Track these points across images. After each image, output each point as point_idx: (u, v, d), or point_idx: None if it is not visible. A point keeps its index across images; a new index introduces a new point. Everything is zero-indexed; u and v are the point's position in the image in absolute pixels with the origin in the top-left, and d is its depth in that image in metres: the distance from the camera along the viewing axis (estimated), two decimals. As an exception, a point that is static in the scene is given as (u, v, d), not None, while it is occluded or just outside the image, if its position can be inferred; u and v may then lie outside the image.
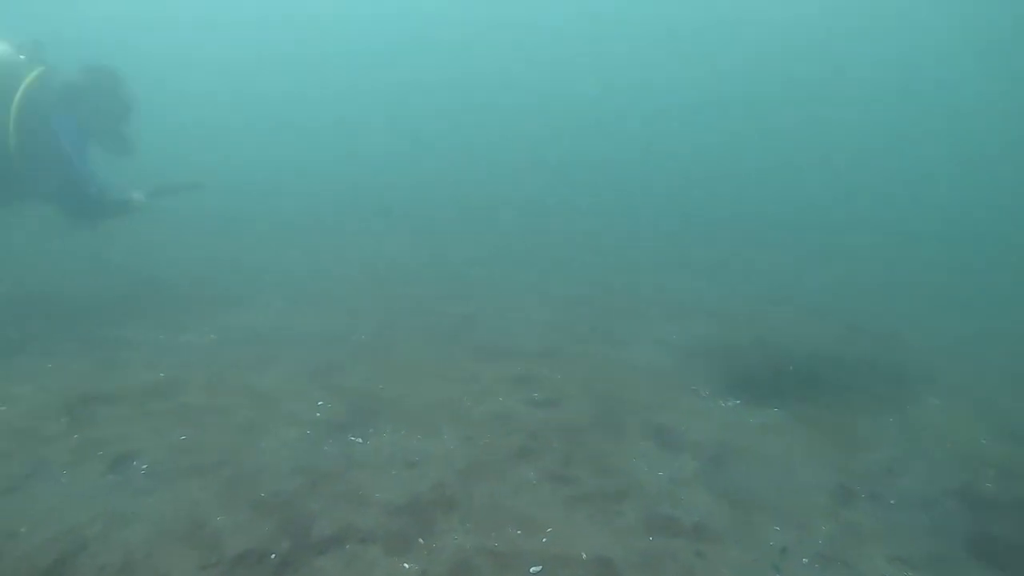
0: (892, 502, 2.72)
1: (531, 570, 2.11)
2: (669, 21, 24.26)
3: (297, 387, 3.45)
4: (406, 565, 2.07)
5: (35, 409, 3.00)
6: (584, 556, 2.18)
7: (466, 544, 2.19)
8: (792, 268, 8.16)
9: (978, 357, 4.98)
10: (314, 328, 4.48)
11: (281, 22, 26.11)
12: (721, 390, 3.82)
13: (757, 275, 7.72)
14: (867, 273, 8.11)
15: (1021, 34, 19.52)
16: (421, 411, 3.25)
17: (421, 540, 2.20)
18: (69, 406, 3.02)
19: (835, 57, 23.19)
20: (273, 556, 2.06)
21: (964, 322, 6.13)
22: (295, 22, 26.04)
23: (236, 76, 23.24)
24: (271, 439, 2.88)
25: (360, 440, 2.94)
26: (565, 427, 3.15)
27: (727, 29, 24.05)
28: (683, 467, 2.87)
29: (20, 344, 3.80)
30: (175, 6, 25.59)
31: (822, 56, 23.12)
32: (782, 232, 10.93)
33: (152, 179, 4.65)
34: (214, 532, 2.17)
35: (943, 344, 5.27)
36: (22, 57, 4.00)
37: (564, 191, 13.42)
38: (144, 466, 2.60)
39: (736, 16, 23.70)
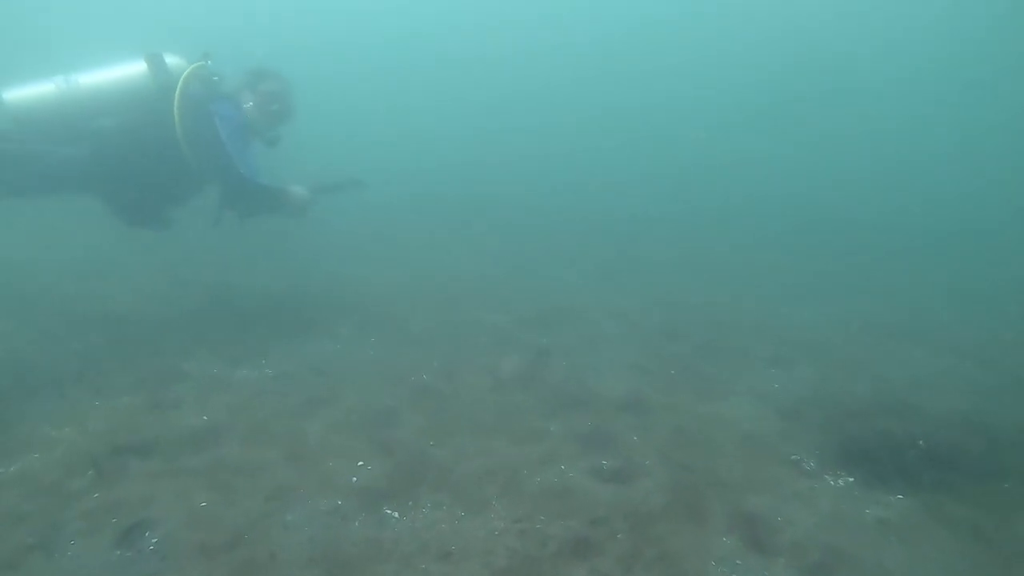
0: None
1: None
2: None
3: (343, 439, 3.16)
4: None
5: (67, 459, 2.85)
6: None
7: None
8: (930, 292, 7.18)
9: None
10: (377, 362, 4.21)
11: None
12: (831, 461, 3.20)
13: (880, 298, 6.84)
14: None
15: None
16: (470, 480, 2.87)
17: None
18: (100, 457, 2.85)
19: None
20: None
21: None
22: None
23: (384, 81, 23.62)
24: (299, 510, 2.58)
25: (396, 515, 2.59)
26: (634, 512, 2.67)
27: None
28: (776, 582, 2.32)
29: (77, 374, 3.74)
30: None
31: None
32: (908, 245, 9.80)
33: (314, 177, 4.69)
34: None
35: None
36: (201, 62, 4.31)
37: (666, 202, 12.74)
38: (155, 540, 2.36)
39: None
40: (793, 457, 3.24)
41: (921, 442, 3.28)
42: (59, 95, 4.16)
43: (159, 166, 4.26)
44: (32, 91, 4.15)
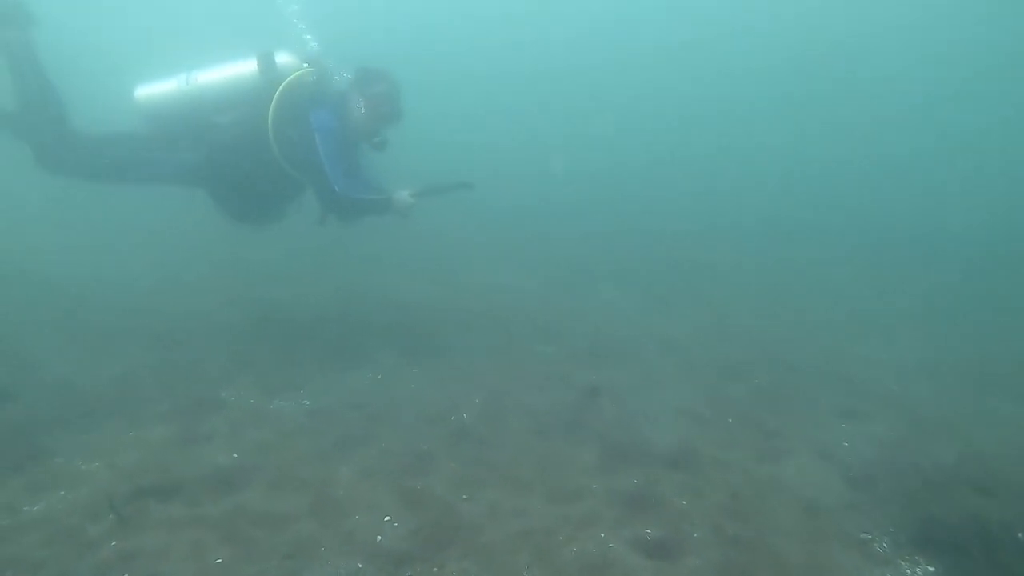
0: None
1: None
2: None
3: (372, 488, 3.00)
4: None
5: (90, 499, 2.79)
6: None
7: None
8: None
9: None
10: (418, 396, 4.05)
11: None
12: (908, 545, 2.85)
13: (971, 332, 6.30)
14: None
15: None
16: (502, 544, 2.66)
17: None
18: (123, 500, 2.78)
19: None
20: None
21: None
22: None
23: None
24: (317, 574, 2.43)
25: (418, 584, 2.41)
26: (678, 598, 2.40)
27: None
28: None
29: (119, 401, 3.72)
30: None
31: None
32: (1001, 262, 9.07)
33: (422, 178, 4.66)
34: None
35: None
36: (305, 66, 4.31)
37: (714, 213, 12.26)
38: (164, 602, 2.25)
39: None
40: (863, 536, 2.90)
41: (1021, 535, 2.87)
42: (181, 93, 4.26)
43: (262, 167, 4.31)
44: (159, 88, 4.26)
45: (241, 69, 4.27)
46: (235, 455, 3.23)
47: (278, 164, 4.29)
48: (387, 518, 2.80)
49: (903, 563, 2.74)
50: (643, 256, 8.90)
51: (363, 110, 4.45)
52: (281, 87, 4.18)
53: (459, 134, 18.30)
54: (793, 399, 4.41)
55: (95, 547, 2.50)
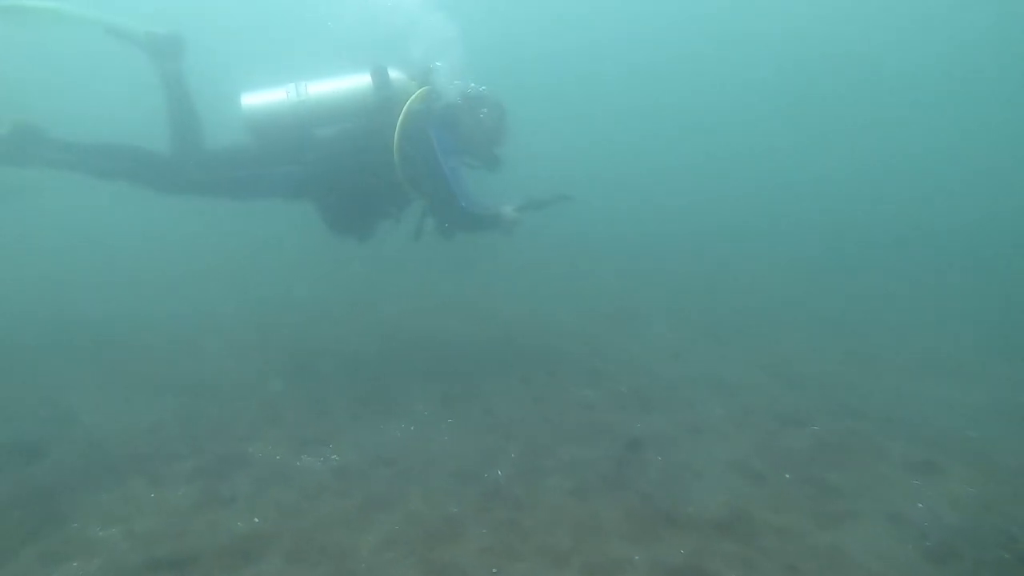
0: None
1: None
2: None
3: (395, 560, 2.80)
4: None
5: (101, 573, 2.67)
6: None
7: None
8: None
9: None
10: (451, 451, 3.85)
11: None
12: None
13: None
14: None
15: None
16: (531, 630, 2.42)
17: None
18: (135, 574, 2.66)
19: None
20: None
21: None
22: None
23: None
24: (327, 663, 2.24)
25: None
26: None
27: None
28: None
29: (145, 457, 3.63)
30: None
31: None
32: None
33: (521, 193, 4.73)
34: None
35: None
36: (415, 82, 4.38)
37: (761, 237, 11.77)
38: None
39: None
40: (944, 623, 2.55)
41: None
42: (291, 104, 4.27)
43: (371, 180, 4.38)
44: (267, 98, 4.28)
45: (355, 83, 4.32)
46: (256, 520, 3.08)
47: (392, 179, 4.35)
48: (408, 596, 2.59)
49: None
50: (693, 288, 8.57)
51: (474, 130, 4.57)
52: (407, 105, 4.23)
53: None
54: (858, 451, 4.03)
55: (100, 630, 2.37)
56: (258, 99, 4.28)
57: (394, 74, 4.36)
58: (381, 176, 4.36)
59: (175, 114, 4.27)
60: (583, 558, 2.86)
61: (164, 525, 3.02)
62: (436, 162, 4.30)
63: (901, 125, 21.68)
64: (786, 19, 22.09)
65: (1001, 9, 19.38)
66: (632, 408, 4.58)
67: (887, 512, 3.32)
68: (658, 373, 5.32)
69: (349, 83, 4.32)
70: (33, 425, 4.04)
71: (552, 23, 24.39)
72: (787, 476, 3.70)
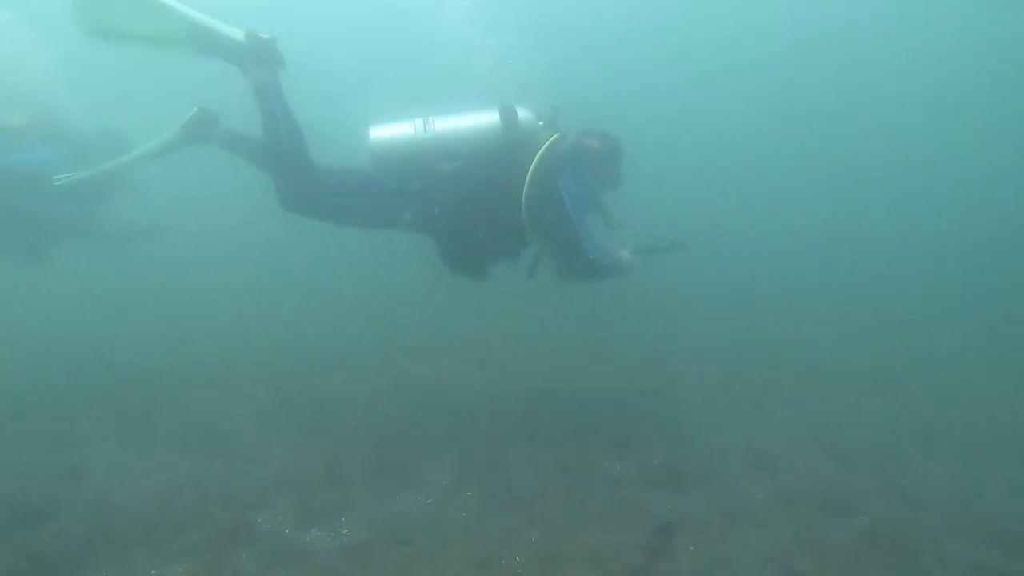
0: None
1: None
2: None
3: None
4: None
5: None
6: None
7: None
8: None
9: None
10: (468, 531, 3.63)
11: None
12: None
13: None
14: None
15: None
16: None
17: None
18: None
19: None
20: None
21: None
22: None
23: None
24: None
25: None
26: None
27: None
28: None
29: (151, 525, 3.50)
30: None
31: None
32: None
33: (638, 238, 4.73)
34: None
35: None
36: (540, 123, 4.38)
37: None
38: None
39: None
40: None
41: None
42: (419, 138, 4.29)
43: (497, 222, 4.37)
44: (394, 132, 4.31)
45: (483, 121, 4.31)
46: (254, 607, 2.91)
47: (515, 222, 4.32)
48: None
49: None
50: (732, 345, 8.21)
51: (596, 170, 4.57)
52: (541, 151, 4.21)
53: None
54: (913, 549, 3.67)
55: None
56: (386, 132, 4.30)
57: (522, 113, 4.32)
58: (504, 218, 4.33)
59: (269, 126, 4.26)
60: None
61: (159, 610, 2.87)
62: (566, 214, 4.30)
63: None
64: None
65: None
66: (664, 485, 4.29)
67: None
68: (694, 444, 5.01)
69: (476, 121, 4.32)
70: (44, 482, 3.96)
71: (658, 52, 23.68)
72: (833, 577, 3.37)
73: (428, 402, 5.69)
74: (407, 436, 4.88)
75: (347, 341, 7.56)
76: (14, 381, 5.74)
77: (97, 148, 5.60)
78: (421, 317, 8.75)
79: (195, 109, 4.20)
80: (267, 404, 5.44)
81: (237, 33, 4.10)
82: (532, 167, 4.18)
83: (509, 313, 9.09)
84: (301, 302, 9.56)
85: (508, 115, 4.26)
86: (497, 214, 4.34)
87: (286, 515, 3.69)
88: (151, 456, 4.39)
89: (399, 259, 11.79)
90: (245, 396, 5.57)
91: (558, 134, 4.35)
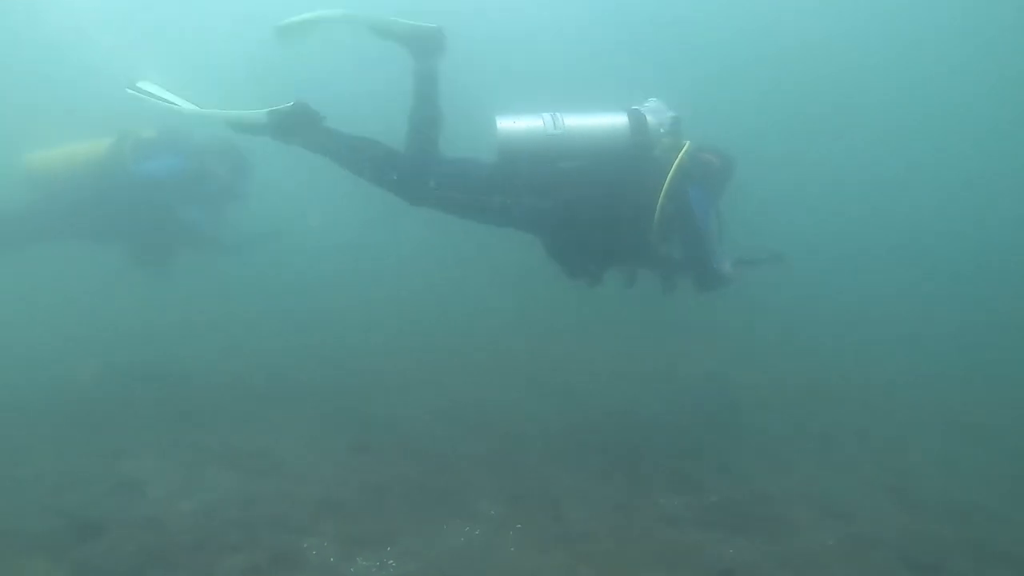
0: None
1: None
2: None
3: None
4: None
5: None
6: None
7: None
8: None
9: None
10: (516, 570, 3.48)
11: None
12: None
13: None
14: None
15: None
16: None
17: None
18: None
19: None
20: None
21: None
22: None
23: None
24: None
25: None
26: None
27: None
28: None
29: (196, 547, 3.47)
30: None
31: None
32: None
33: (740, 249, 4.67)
34: None
35: None
36: (662, 130, 4.36)
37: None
38: None
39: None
40: None
41: None
42: (546, 134, 4.25)
43: (614, 224, 4.33)
44: (522, 125, 4.28)
45: (611, 122, 4.30)
46: (293, 642, 2.83)
47: (639, 228, 4.27)
48: None
49: None
50: (801, 369, 7.83)
51: (716, 182, 4.53)
52: (679, 159, 4.17)
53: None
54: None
55: None
56: (513, 124, 4.26)
57: (650, 119, 4.32)
58: (626, 222, 4.30)
59: (417, 114, 4.40)
60: None
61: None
62: (692, 222, 4.27)
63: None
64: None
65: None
66: (724, 527, 4.05)
67: None
68: (756, 481, 4.74)
69: (605, 122, 4.30)
70: (99, 494, 4.01)
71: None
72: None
73: (478, 425, 5.59)
74: (456, 461, 4.77)
75: (396, 359, 7.54)
76: (77, 386, 5.91)
77: (215, 159, 6.10)
78: (470, 337, 8.69)
79: (292, 102, 4.28)
80: (316, 421, 5.43)
81: (405, 23, 4.34)
82: (670, 176, 4.13)
83: (562, 333, 8.95)
84: (355, 319, 9.62)
85: (637, 119, 4.25)
86: (620, 218, 4.29)
87: (332, 542, 3.61)
88: (202, 470, 4.39)
89: (454, 280, 11.89)
90: (295, 411, 5.58)
91: (689, 142, 4.28)
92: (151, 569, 3.26)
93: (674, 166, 4.14)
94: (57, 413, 5.33)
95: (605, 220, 4.32)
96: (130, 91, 4.62)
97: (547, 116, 4.26)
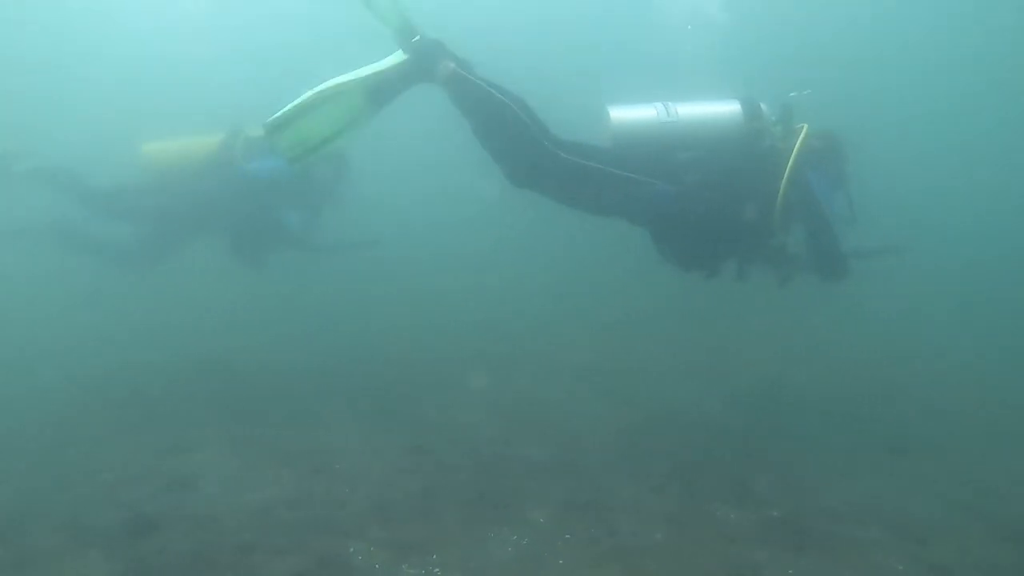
0: None
1: None
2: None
3: None
4: None
5: None
6: None
7: None
8: None
9: None
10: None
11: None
12: None
13: None
14: None
15: None
16: None
17: None
18: None
19: None
20: None
21: None
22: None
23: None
24: None
25: None
26: None
27: None
28: None
29: (247, 547, 3.49)
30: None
31: None
32: None
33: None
34: None
35: None
36: (773, 117, 4.33)
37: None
38: None
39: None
40: None
41: None
42: (660, 123, 4.22)
43: (734, 214, 4.26)
44: (635, 114, 4.25)
45: (724, 109, 4.25)
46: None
47: (763, 218, 4.22)
48: None
49: None
50: (877, 372, 7.44)
51: (833, 170, 4.42)
52: (798, 146, 4.11)
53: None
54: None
55: None
56: (626, 113, 4.22)
57: (763, 106, 4.27)
58: (746, 212, 4.23)
59: (480, 121, 4.24)
60: None
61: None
62: (815, 210, 4.21)
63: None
64: None
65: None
66: (784, 544, 3.83)
67: None
68: (823, 495, 4.48)
69: (718, 110, 4.25)
70: (157, 489, 4.10)
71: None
72: None
73: (532, 426, 5.50)
74: (508, 464, 4.70)
75: (453, 356, 7.51)
76: (142, 379, 6.08)
77: (320, 163, 6.10)
78: (528, 334, 8.60)
79: (417, 36, 4.02)
80: (371, 418, 5.44)
81: (396, 55, 4.10)
82: (791, 162, 4.05)
83: (616, 331, 8.76)
84: (412, 315, 9.64)
85: (751, 106, 4.18)
86: (740, 208, 4.22)
87: (379, 547, 3.58)
88: (255, 467, 4.45)
89: (511, 277, 11.81)
90: (350, 408, 5.61)
91: (806, 126, 4.20)
92: (200, 571, 3.29)
93: (794, 151, 4.06)
94: (118, 406, 5.50)
95: (725, 210, 4.23)
96: (269, 124, 4.15)
97: (659, 105, 4.18)
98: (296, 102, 4.02)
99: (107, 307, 8.54)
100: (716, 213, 4.22)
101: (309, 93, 4.04)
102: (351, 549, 3.54)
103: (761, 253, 4.53)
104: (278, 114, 4.03)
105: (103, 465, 4.40)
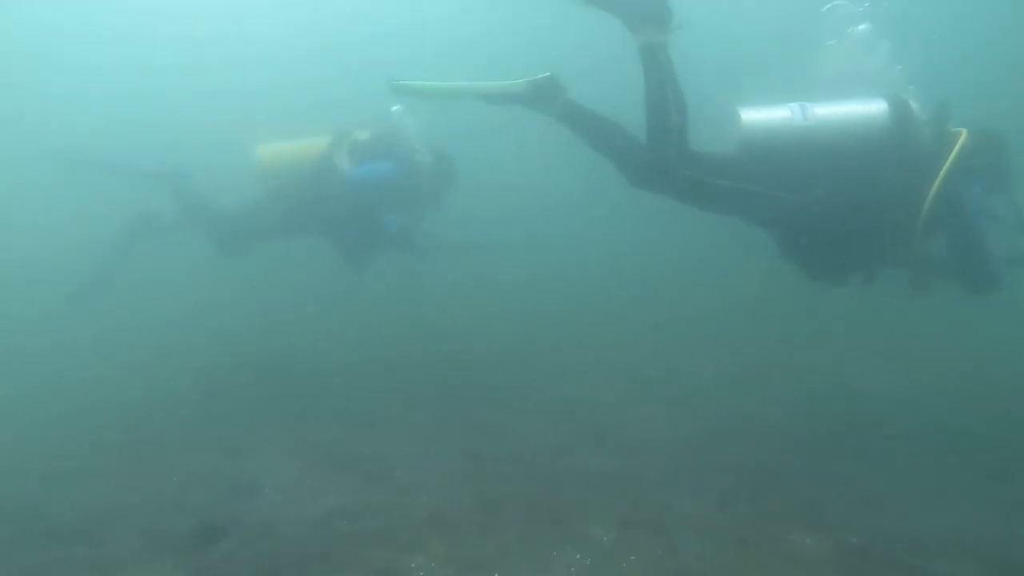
0: None
1: None
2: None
3: None
4: None
5: None
6: None
7: None
8: None
9: None
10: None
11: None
12: None
13: None
14: None
15: None
16: None
17: None
18: None
19: None
20: None
21: None
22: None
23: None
24: None
25: None
26: None
27: None
28: None
29: (311, 558, 3.50)
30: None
31: None
32: None
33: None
34: None
35: None
36: (924, 118, 4.02)
37: None
38: None
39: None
40: None
41: None
42: (795, 125, 4.00)
43: (874, 224, 4.03)
44: (769, 116, 4.05)
45: (868, 110, 3.96)
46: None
47: (904, 228, 3.95)
48: None
49: None
50: (949, 393, 6.96)
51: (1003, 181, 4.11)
52: (954, 153, 3.81)
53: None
54: None
55: None
56: (759, 115, 4.00)
57: (914, 104, 3.96)
58: (888, 221, 3.98)
59: (653, 98, 4.06)
60: None
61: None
62: (972, 224, 3.94)
63: None
64: None
65: None
66: (860, 570, 3.61)
67: None
68: (909, 521, 4.17)
69: (861, 110, 3.94)
70: (222, 494, 4.17)
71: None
72: None
73: (594, 435, 5.37)
74: (563, 474, 4.59)
75: (514, 361, 7.45)
76: (208, 379, 6.24)
77: (427, 167, 6.25)
78: (590, 338, 8.46)
79: (547, 73, 4.13)
80: (432, 423, 5.43)
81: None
82: (944, 171, 3.75)
83: (668, 330, 8.52)
84: (474, 320, 9.62)
85: (900, 106, 3.86)
86: (879, 217, 3.96)
87: (438, 561, 3.53)
88: (318, 472, 4.50)
89: (571, 282, 11.64)
90: (412, 412, 5.61)
91: (966, 131, 3.84)
92: (259, 582, 3.32)
93: (949, 160, 3.74)
94: (185, 408, 5.66)
95: (860, 224, 3.97)
96: (394, 84, 4.40)
97: (795, 106, 3.93)
98: (420, 84, 4.36)
99: (179, 309, 8.83)
100: (850, 227, 3.98)
101: (434, 84, 4.38)
102: (412, 564, 3.50)
103: (899, 261, 4.22)
104: (405, 82, 4.32)
105: (171, 467, 4.52)
